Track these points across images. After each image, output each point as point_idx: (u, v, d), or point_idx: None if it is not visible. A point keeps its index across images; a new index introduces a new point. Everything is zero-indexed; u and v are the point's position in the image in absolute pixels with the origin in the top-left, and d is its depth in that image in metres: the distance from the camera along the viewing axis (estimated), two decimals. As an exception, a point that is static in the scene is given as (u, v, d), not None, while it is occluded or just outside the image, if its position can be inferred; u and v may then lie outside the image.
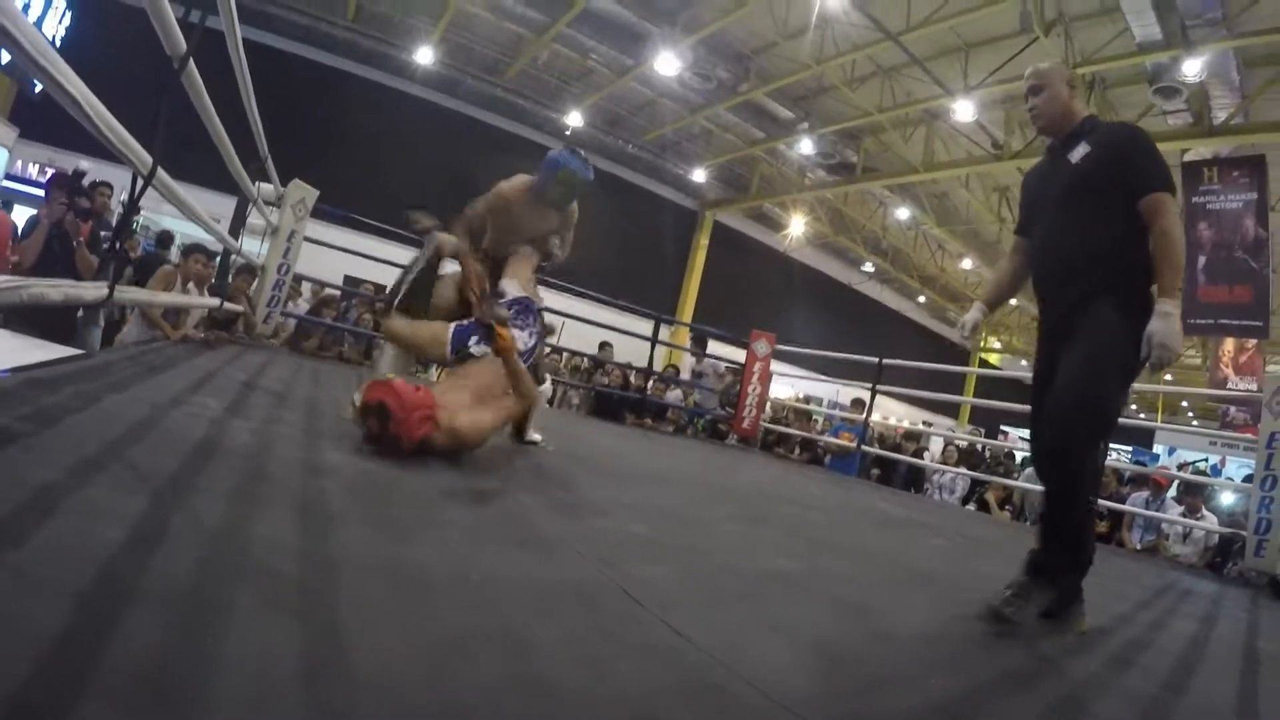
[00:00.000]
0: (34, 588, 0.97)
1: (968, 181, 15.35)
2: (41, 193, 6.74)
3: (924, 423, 17.55)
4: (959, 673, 1.70)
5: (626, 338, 8.98)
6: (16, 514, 1.20)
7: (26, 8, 10.37)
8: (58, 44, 11.18)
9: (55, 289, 1.88)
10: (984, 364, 25.15)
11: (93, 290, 2.22)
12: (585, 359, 9.87)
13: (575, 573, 1.75)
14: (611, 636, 1.37)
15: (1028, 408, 2.52)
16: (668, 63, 12.47)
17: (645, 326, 8.88)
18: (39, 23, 10.73)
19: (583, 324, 8.41)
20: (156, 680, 0.84)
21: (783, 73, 12.97)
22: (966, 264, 19.79)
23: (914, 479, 9.08)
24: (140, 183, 2.23)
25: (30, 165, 11.33)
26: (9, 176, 10.74)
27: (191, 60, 2.53)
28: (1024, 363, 26.31)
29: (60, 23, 11.49)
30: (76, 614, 0.93)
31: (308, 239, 6.97)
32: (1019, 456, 9.61)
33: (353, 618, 1.16)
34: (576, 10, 12.03)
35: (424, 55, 14.34)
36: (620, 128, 16.96)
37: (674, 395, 9.77)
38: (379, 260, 7.23)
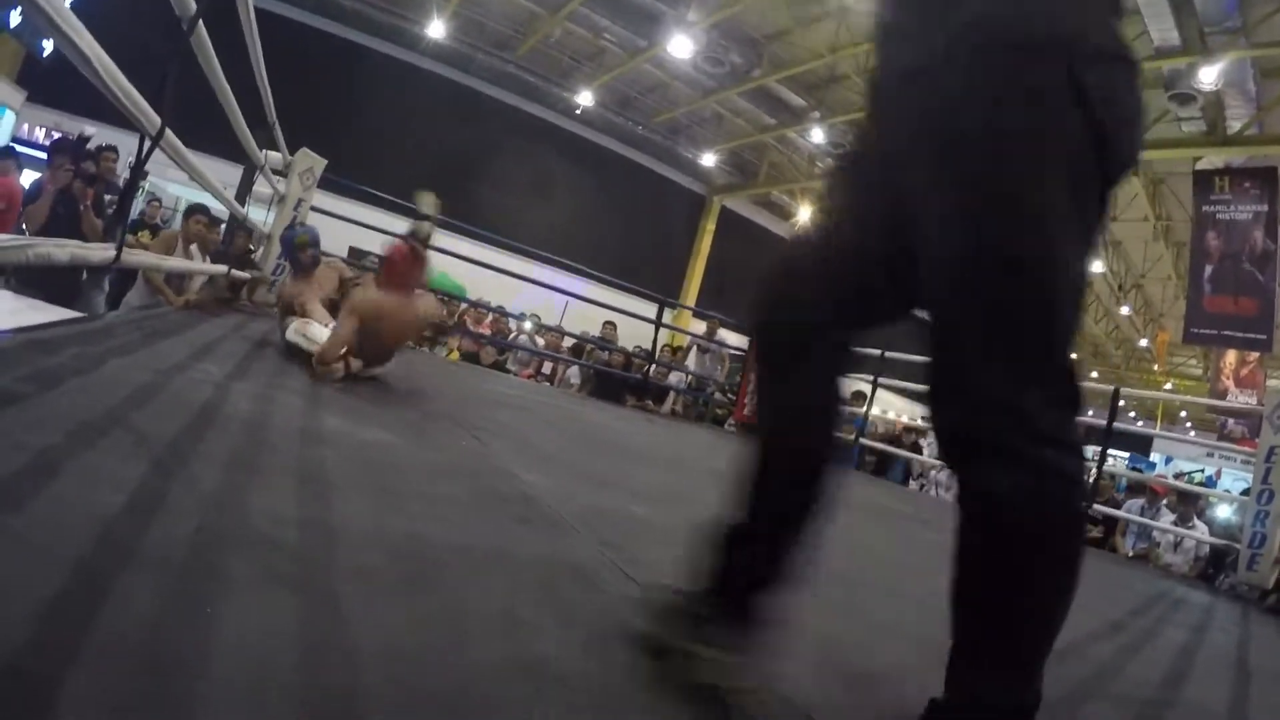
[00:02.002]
0: (33, 553, 0.97)
1: None
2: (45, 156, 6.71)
3: (924, 418, 17.58)
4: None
5: (631, 320, 8.96)
6: (15, 478, 1.19)
7: None
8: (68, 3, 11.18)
9: (62, 249, 1.86)
10: None
11: (99, 252, 2.22)
12: (583, 340, 9.85)
13: (576, 553, 1.74)
14: (612, 618, 1.36)
15: None
16: (681, 45, 12.42)
17: (649, 309, 8.83)
18: None
19: (586, 304, 8.39)
20: (152, 649, 0.83)
21: (796, 60, 12.89)
22: None
23: (909, 473, 9.09)
24: (148, 144, 2.20)
25: (37, 129, 11.26)
26: (16, 140, 10.64)
27: (201, 22, 2.49)
28: None
29: None
30: (74, 580, 0.92)
31: (315, 209, 6.93)
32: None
33: (351, 590, 1.16)
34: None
35: (436, 29, 14.23)
36: (631, 109, 16.88)
37: (675, 379, 9.75)
38: (386, 233, 7.19)
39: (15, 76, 10.85)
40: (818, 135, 14.84)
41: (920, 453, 9.24)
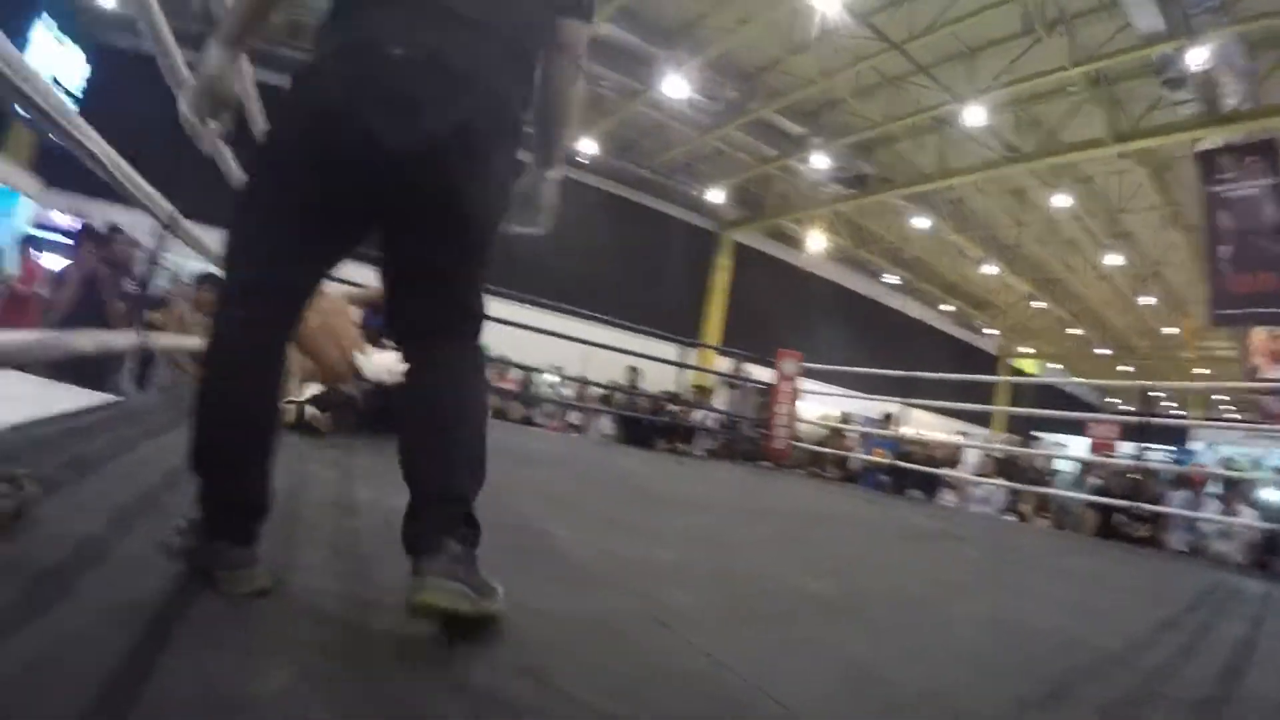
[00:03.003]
0: (84, 643, 1.00)
1: (983, 186, 15.31)
2: (69, 240, 6.92)
3: (959, 433, 17.39)
4: (997, 687, 1.68)
5: (655, 364, 8.95)
6: (60, 567, 1.24)
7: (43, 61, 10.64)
8: (78, 94, 11.67)
9: (90, 339, 1.93)
10: (1013, 371, 24.89)
11: (123, 339, 2.28)
12: (610, 389, 9.87)
13: (605, 603, 1.75)
14: (640, 662, 1.37)
15: (1057, 414, 2.35)
16: (676, 85, 12.56)
17: (672, 351, 8.81)
18: (56, 75, 11.02)
19: (605, 351, 8.37)
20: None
21: (790, 88, 13.02)
22: (989, 269, 19.67)
23: (933, 487, 8.94)
24: (162, 232, 2.30)
25: (57, 214, 11.58)
26: (39, 225, 11.00)
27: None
28: (1059, 367, 26.11)
29: (80, 73, 11.88)
30: (123, 667, 0.95)
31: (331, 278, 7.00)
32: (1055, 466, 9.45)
33: (389, 652, 1.20)
34: (583, 39, 12.09)
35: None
36: (633, 152, 17.08)
37: (698, 416, 9.71)
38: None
39: (33, 164, 11.16)
40: (820, 161, 14.89)
41: (955, 467, 9.12)
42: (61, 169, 10.77)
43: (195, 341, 4.75)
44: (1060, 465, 9.94)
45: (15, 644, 0.97)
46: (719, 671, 1.39)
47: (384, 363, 3.73)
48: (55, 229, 10.63)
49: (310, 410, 3.54)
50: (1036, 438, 19.31)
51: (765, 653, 1.58)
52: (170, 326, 5.30)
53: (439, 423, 1.44)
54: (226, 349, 1.41)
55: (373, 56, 1.34)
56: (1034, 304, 21.85)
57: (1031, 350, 25.55)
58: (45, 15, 10.74)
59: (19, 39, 10.18)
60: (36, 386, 3.75)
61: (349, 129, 1.31)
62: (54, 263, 6.73)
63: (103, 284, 5.19)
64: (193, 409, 1.38)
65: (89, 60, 11.95)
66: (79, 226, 8.59)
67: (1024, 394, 21.51)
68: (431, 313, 1.50)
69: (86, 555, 1.34)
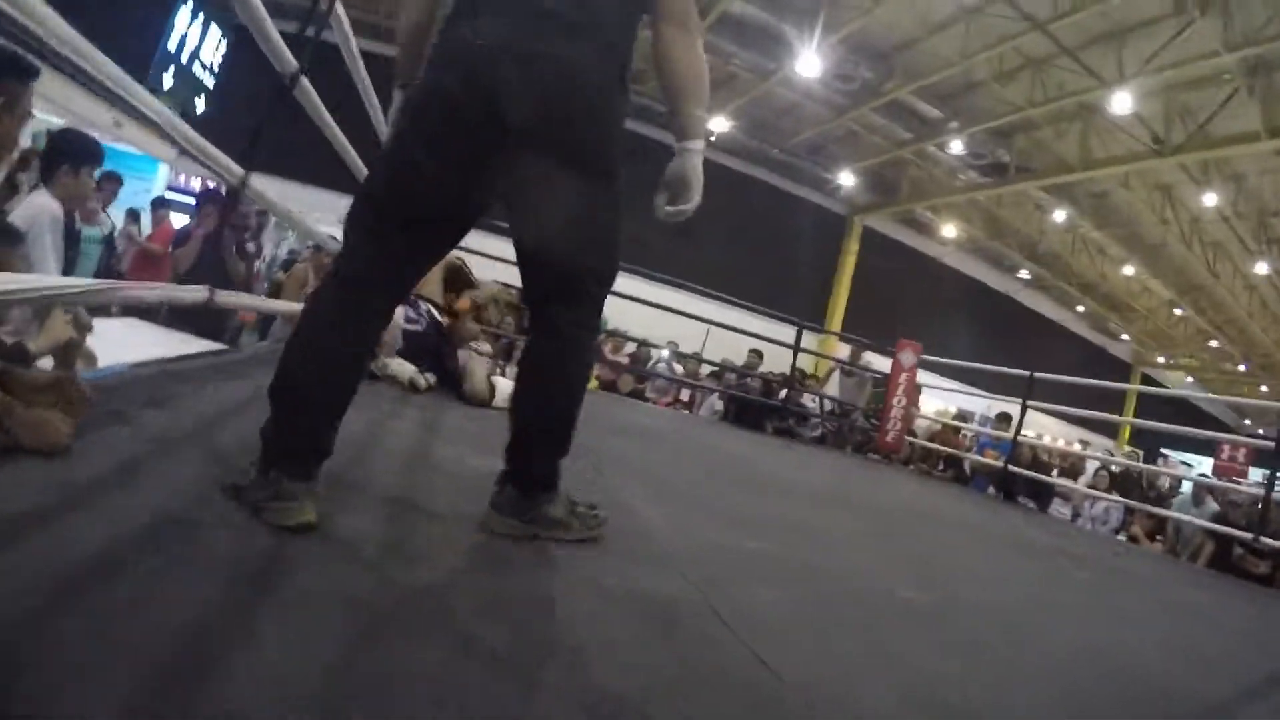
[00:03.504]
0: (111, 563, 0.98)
1: (1127, 180, 14.15)
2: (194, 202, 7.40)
3: (1080, 442, 16.34)
4: None
5: (776, 348, 8.75)
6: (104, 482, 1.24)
7: (184, 38, 11.58)
8: (215, 69, 12.71)
9: (151, 291, 2.04)
10: (1146, 380, 23.13)
11: (192, 293, 2.40)
12: (722, 367, 9.75)
13: (671, 589, 1.64)
14: (685, 660, 1.27)
15: (1187, 430, 2.13)
16: (809, 64, 12.14)
17: (790, 334, 8.57)
18: (197, 50, 12.06)
19: (727, 331, 8.24)
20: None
21: (928, 70, 12.37)
22: (1129, 270, 18.25)
23: (1047, 497, 8.39)
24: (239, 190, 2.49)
25: (189, 179, 12.43)
26: (170, 188, 11.92)
27: (304, 78, 2.72)
28: (1190, 379, 24.08)
29: (217, 50, 12.81)
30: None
31: (466, 249, 7.04)
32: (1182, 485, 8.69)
33: (417, 614, 1.17)
34: (714, 15, 11.92)
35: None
36: (765, 131, 16.72)
37: (810, 402, 9.44)
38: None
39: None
40: (957, 146, 14.23)
41: (1076, 479, 8.53)
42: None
43: (263, 303, 4.98)
44: (1184, 486, 9.15)
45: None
46: (765, 680, 1.27)
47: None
48: (186, 191, 11.39)
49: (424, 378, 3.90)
50: (1164, 455, 17.96)
51: (826, 663, 1.45)
52: (291, 287, 5.54)
53: (541, 387, 1.75)
54: (324, 300, 1.60)
55: (466, 48, 1.57)
56: (1175, 311, 20.20)
57: (1169, 360, 23.60)
58: None
59: (164, 19, 11.15)
60: (155, 334, 4.00)
61: (468, 102, 1.53)
62: (181, 223, 7.16)
63: (223, 243, 5.49)
64: (286, 346, 1.58)
65: (225, 37, 12.79)
66: (203, 189, 9.16)
67: (1154, 407, 19.77)
68: (545, 283, 1.71)
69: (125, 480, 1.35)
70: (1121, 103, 10.80)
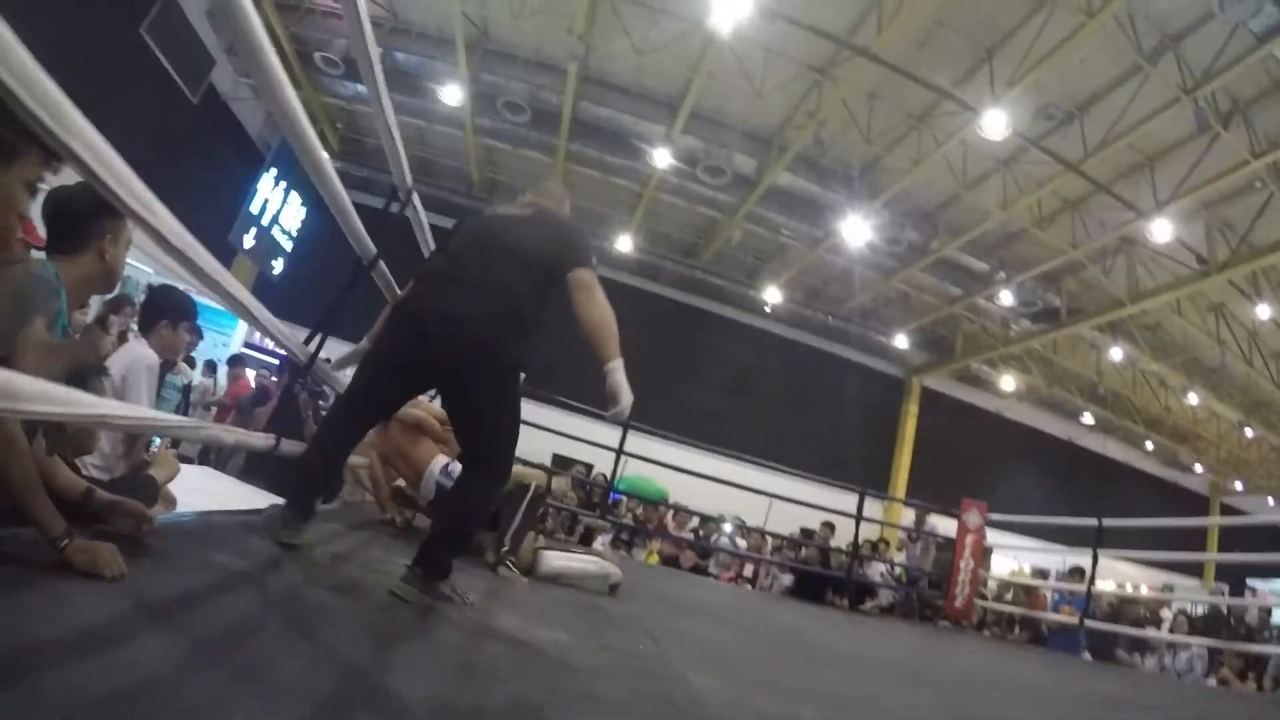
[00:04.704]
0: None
1: (1179, 306, 13.93)
2: (270, 360, 7.81)
3: (1164, 586, 15.32)
4: None
5: (843, 518, 8.62)
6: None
7: (266, 203, 12.54)
8: (294, 234, 13.68)
9: (229, 433, 2.48)
10: (1226, 510, 21.64)
11: (261, 439, 2.90)
12: (783, 540, 9.65)
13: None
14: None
15: (1267, 558, 2.05)
16: (856, 230, 12.58)
17: (851, 501, 8.42)
18: (278, 215, 13.01)
19: (788, 503, 8.17)
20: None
21: (970, 224, 12.76)
22: (1193, 398, 17.50)
23: (1127, 648, 7.85)
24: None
25: (265, 337, 13.11)
26: (246, 344, 12.59)
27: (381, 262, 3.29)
28: (1272, 502, 22.42)
29: (297, 215, 13.80)
30: None
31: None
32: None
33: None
34: (763, 189, 12.59)
35: (624, 244, 15.43)
36: (819, 299, 17.17)
37: (877, 570, 9.14)
38: (588, 441, 7.60)
39: (250, 290, 12.68)
40: (1006, 297, 14.36)
41: (1160, 625, 7.99)
42: (274, 297, 12.33)
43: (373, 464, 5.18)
44: (1276, 616, 8.45)
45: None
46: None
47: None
48: (262, 349, 12.13)
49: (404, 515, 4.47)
50: (1254, 589, 16.56)
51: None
52: (361, 449, 5.80)
53: (448, 516, 2.72)
54: (330, 427, 2.83)
55: (427, 306, 2.60)
56: (1246, 432, 19.14)
57: (1246, 486, 22.09)
58: (271, 167, 12.69)
59: (248, 185, 12.20)
60: (228, 484, 4.24)
61: (417, 334, 2.55)
62: (259, 381, 7.56)
63: (300, 406, 5.84)
64: (308, 445, 2.95)
65: (304, 204, 13.83)
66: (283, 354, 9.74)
67: (1238, 536, 18.24)
68: (468, 448, 2.73)
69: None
70: (1162, 230, 10.82)
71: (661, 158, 12.22)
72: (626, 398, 2.54)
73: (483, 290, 2.52)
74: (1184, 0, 8.01)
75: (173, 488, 2.85)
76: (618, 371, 2.56)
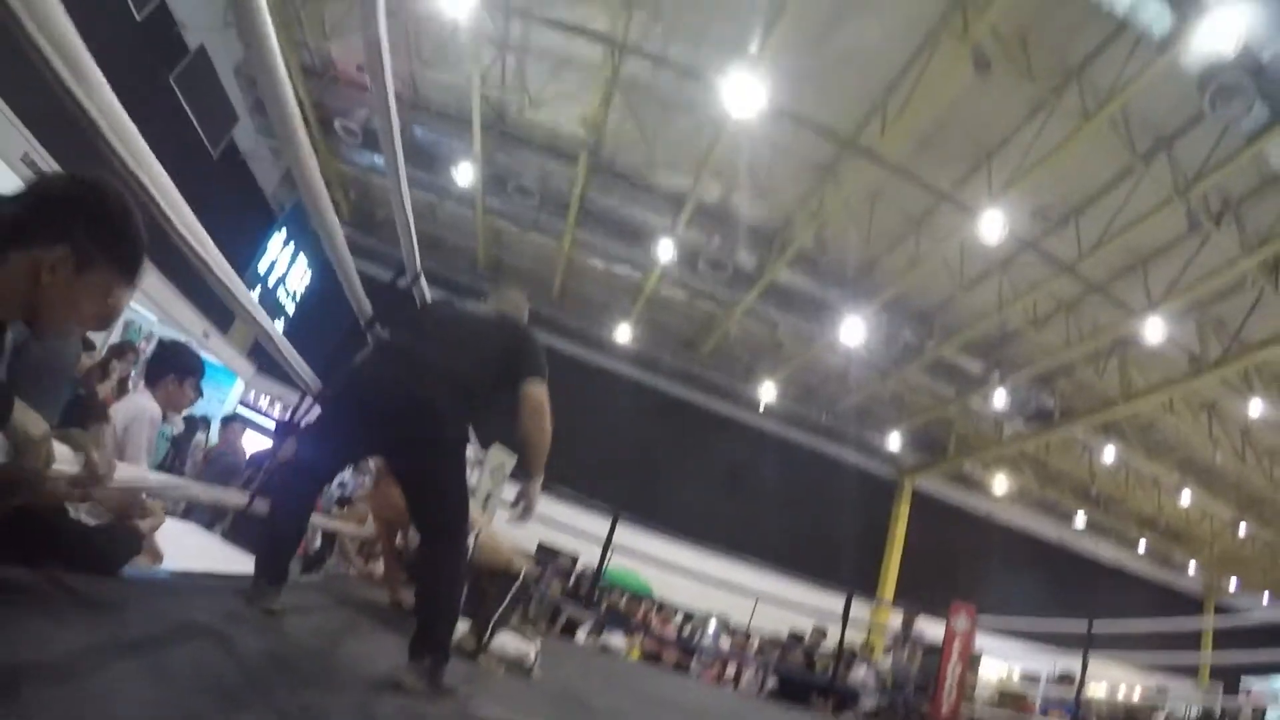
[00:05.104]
0: None
1: (1171, 405, 13.95)
2: (264, 421, 7.68)
3: (1158, 688, 14.93)
4: None
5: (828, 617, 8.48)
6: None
7: (273, 264, 12.65)
8: (297, 296, 13.77)
9: (206, 491, 2.70)
10: (1220, 609, 21.24)
11: (235, 497, 2.99)
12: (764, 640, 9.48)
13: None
14: None
15: (1268, 652, 2.06)
16: (853, 329, 12.67)
17: (838, 602, 8.29)
18: (284, 277, 13.11)
19: (772, 604, 8.06)
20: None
21: (965, 324, 12.97)
22: (1186, 496, 17.39)
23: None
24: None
25: (262, 397, 13.14)
26: (242, 402, 12.49)
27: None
28: (1267, 598, 21.96)
29: (302, 279, 13.93)
30: None
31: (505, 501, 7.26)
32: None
33: None
34: (763, 285, 12.77)
35: (623, 333, 15.55)
36: (813, 397, 17.24)
37: (860, 675, 8.90)
38: (577, 530, 7.54)
39: (247, 351, 12.59)
40: (1000, 398, 14.39)
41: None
42: (268, 359, 12.26)
43: (364, 532, 5.11)
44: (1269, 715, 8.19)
45: None
46: None
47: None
48: (257, 409, 11.98)
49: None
50: (1249, 691, 16.13)
51: None
52: (351, 521, 5.71)
53: (427, 592, 2.66)
54: (281, 491, 2.88)
55: (384, 373, 2.77)
56: (1242, 528, 18.91)
57: (1239, 583, 21.69)
58: (283, 226, 12.88)
59: (257, 245, 12.33)
60: (213, 544, 4.16)
61: (364, 398, 2.72)
62: (252, 441, 7.44)
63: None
64: (268, 512, 2.86)
65: (309, 267, 13.96)
66: (282, 419, 9.67)
67: (1233, 635, 17.80)
68: (420, 519, 2.83)
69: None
70: (1154, 329, 10.91)
71: (665, 249, 12.37)
72: (534, 509, 2.90)
73: (439, 370, 2.68)
74: (1177, 101, 8.24)
75: (158, 538, 2.82)
76: (537, 485, 2.86)
